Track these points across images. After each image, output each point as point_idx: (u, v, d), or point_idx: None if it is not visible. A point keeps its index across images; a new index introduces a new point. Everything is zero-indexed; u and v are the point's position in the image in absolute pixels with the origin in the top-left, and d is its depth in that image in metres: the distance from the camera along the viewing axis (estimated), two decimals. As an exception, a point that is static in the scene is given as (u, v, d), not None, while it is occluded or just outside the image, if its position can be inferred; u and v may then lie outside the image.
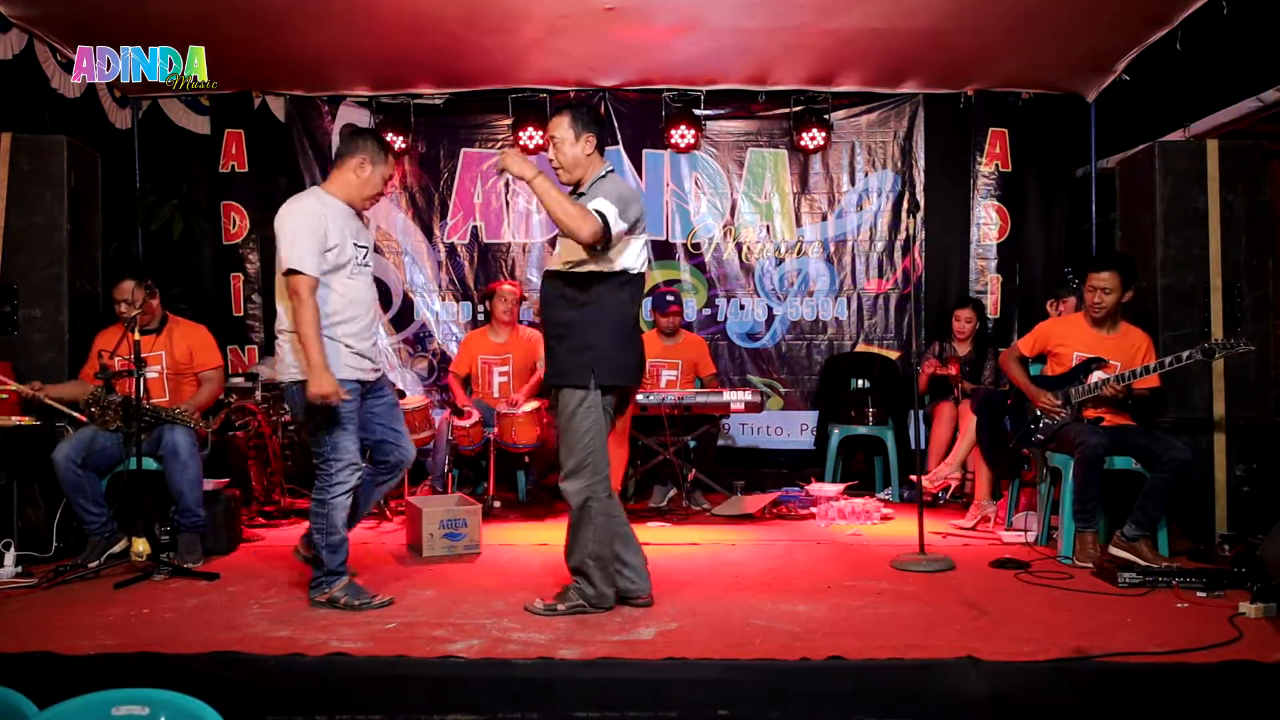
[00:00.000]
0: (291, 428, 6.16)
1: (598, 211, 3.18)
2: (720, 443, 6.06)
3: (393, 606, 3.45)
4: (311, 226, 3.36)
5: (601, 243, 3.21)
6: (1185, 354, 4.02)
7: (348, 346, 3.47)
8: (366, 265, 3.59)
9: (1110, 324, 4.33)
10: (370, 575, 3.97)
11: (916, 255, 6.61)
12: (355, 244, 3.52)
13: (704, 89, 6.46)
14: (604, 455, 3.34)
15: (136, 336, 3.91)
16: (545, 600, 3.39)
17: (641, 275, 3.43)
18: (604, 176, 3.39)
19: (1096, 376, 4.26)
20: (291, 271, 3.32)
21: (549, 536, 4.67)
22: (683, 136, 6.43)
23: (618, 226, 3.22)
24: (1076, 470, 4.11)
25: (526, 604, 3.40)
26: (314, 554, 3.51)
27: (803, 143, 6.46)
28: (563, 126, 3.37)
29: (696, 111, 6.48)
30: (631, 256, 3.35)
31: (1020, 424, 4.48)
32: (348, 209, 3.55)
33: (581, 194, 3.38)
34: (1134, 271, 4.32)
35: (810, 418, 6.60)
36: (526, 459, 5.78)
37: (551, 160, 3.45)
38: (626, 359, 3.38)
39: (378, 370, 3.66)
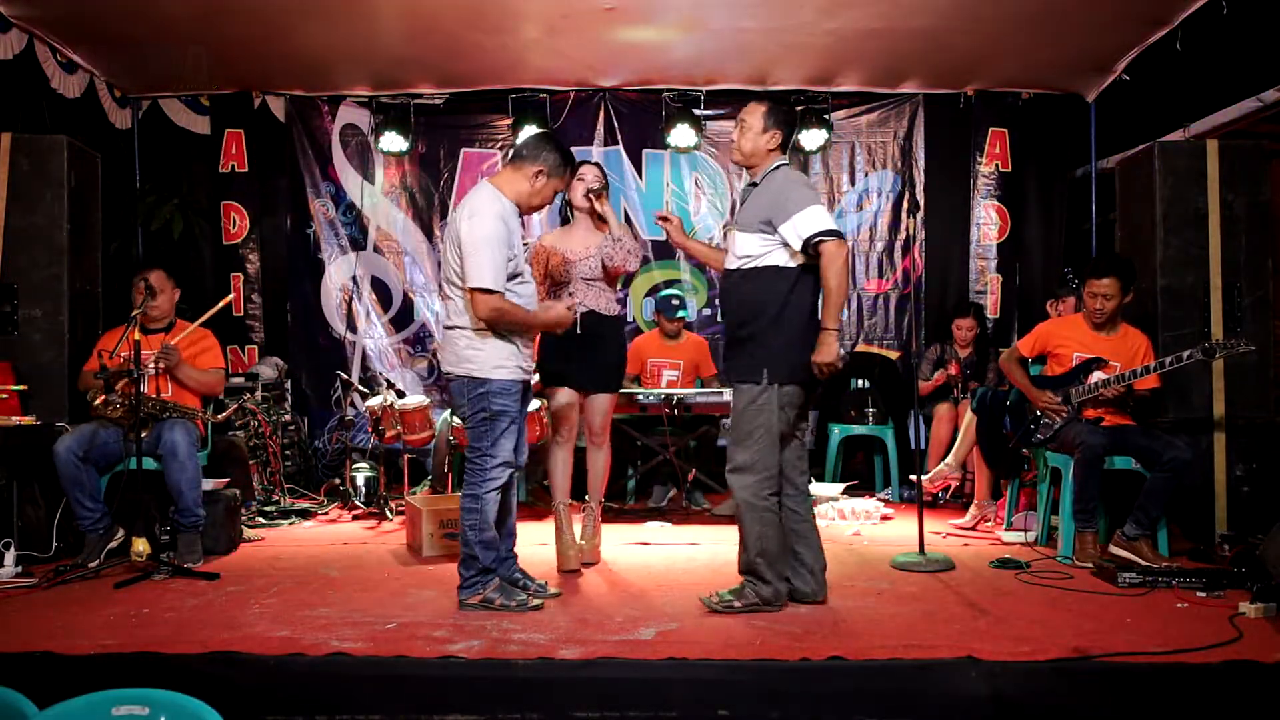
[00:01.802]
0: (292, 427, 6.17)
1: (823, 231, 3.26)
2: (720, 443, 6.06)
3: (393, 606, 3.45)
4: (500, 238, 3.29)
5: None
6: (1186, 354, 4.02)
7: (516, 347, 3.43)
8: (526, 265, 3.59)
9: (1110, 325, 4.34)
10: (370, 575, 3.98)
11: (916, 255, 6.61)
12: (523, 242, 3.52)
13: (704, 89, 6.46)
14: (773, 454, 3.35)
15: (137, 335, 3.92)
16: (721, 594, 3.40)
17: (817, 268, 3.39)
18: (776, 169, 3.44)
19: (1096, 377, 4.27)
20: (482, 290, 3.26)
21: (549, 536, 4.66)
22: (683, 136, 6.42)
23: (831, 220, 3.32)
24: (1076, 470, 4.11)
25: (702, 596, 3.43)
26: (466, 552, 3.44)
27: (803, 143, 6.46)
28: (757, 115, 3.44)
29: (696, 111, 6.48)
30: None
31: (1020, 424, 4.49)
32: (516, 210, 3.46)
33: (755, 184, 3.46)
34: (1133, 274, 4.33)
35: (810, 418, 6.59)
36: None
37: (734, 140, 3.52)
38: (802, 354, 3.35)
39: (530, 373, 3.61)
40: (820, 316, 3.34)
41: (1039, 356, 4.55)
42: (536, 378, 4.61)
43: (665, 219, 3.80)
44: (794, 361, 3.34)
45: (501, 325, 3.35)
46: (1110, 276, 4.24)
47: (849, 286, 3.35)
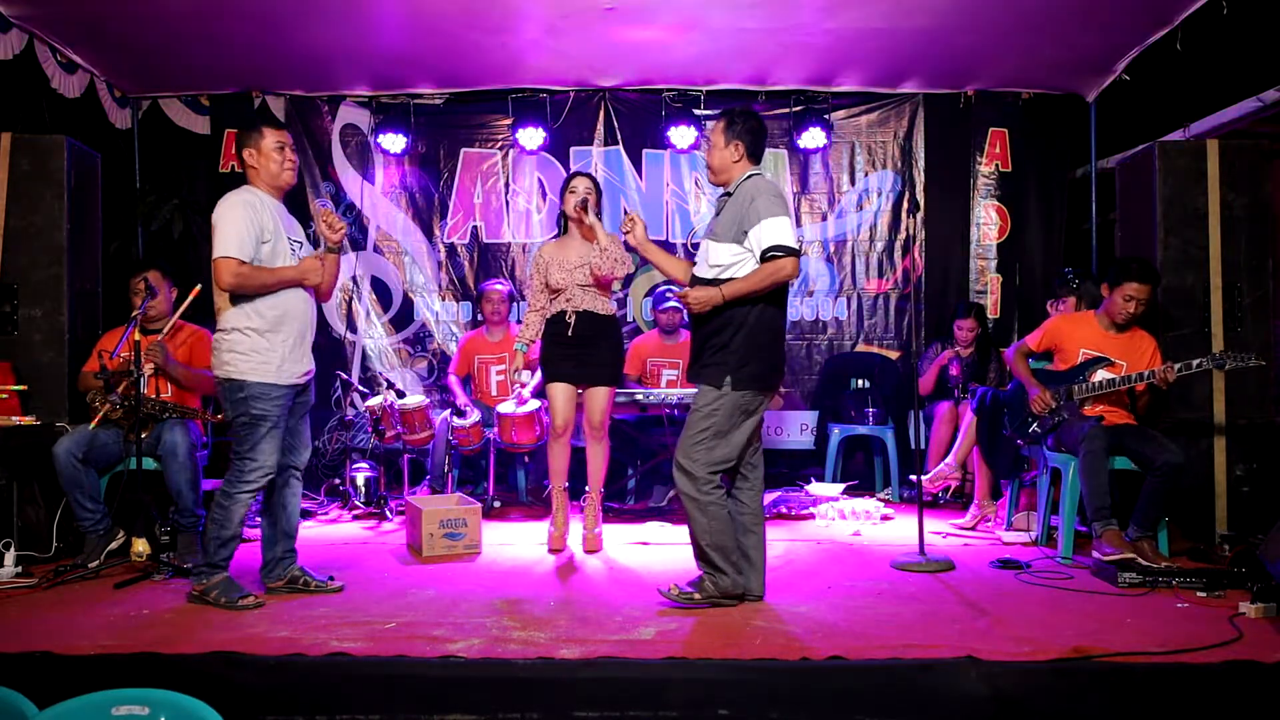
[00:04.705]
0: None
1: (778, 247, 3.33)
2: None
3: (392, 606, 3.45)
4: (244, 215, 3.44)
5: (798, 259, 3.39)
6: (1196, 362, 4.07)
7: (279, 350, 3.49)
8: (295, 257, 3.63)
9: (1119, 326, 4.33)
10: (370, 575, 3.98)
11: (916, 255, 6.61)
12: (290, 239, 3.58)
13: (704, 89, 6.46)
14: (714, 453, 3.40)
15: (138, 336, 3.91)
16: (681, 586, 3.45)
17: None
18: (748, 179, 3.49)
19: (1100, 376, 4.27)
20: (223, 258, 3.39)
21: (548, 541, 4.67)
22: (683, 136, 6.42)
23: (793, 235, 3.37)
24: (1084, 470, 4.07)
25: (661, 588, 3.48)
26: (202, 543, 3.55)
27: (803, 143, 6.46)
28: (718, 132, 3.55)
29: (696, 111, 6.48)
30: None
31: (1018, 417, 4.48)
32: (278, 203, 3.62)
33: (729, 194, 3.53)
34: None
35: (810, 418, 6.59)
36: (526, 459, 5.78)
37: (705, 159, 3.66)
38: (766, 364, 3.45)
39: (310, 373, 3.67)
40: (735, 284, 3.37)
41: (1044, 352, 4.55)
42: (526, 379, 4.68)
43: (632, 221, 3.78)
44: (756, 370, 3.42)
45: (249, 288, 3.43)
46: (1150, 283, 4.25)
47: (775, 290, 3.44)
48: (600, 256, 4.30)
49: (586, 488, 4.53)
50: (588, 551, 4.39)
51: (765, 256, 3.34)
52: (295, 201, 6.59)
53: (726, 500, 3.48)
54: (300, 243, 3.66)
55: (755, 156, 3.54)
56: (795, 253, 3.35)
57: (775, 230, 3.33)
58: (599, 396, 4.41)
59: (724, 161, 3.52)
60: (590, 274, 4.37)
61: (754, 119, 3.55)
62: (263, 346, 3.46)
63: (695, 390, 3.53)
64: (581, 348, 4.38)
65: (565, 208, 4.48)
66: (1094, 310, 4.47)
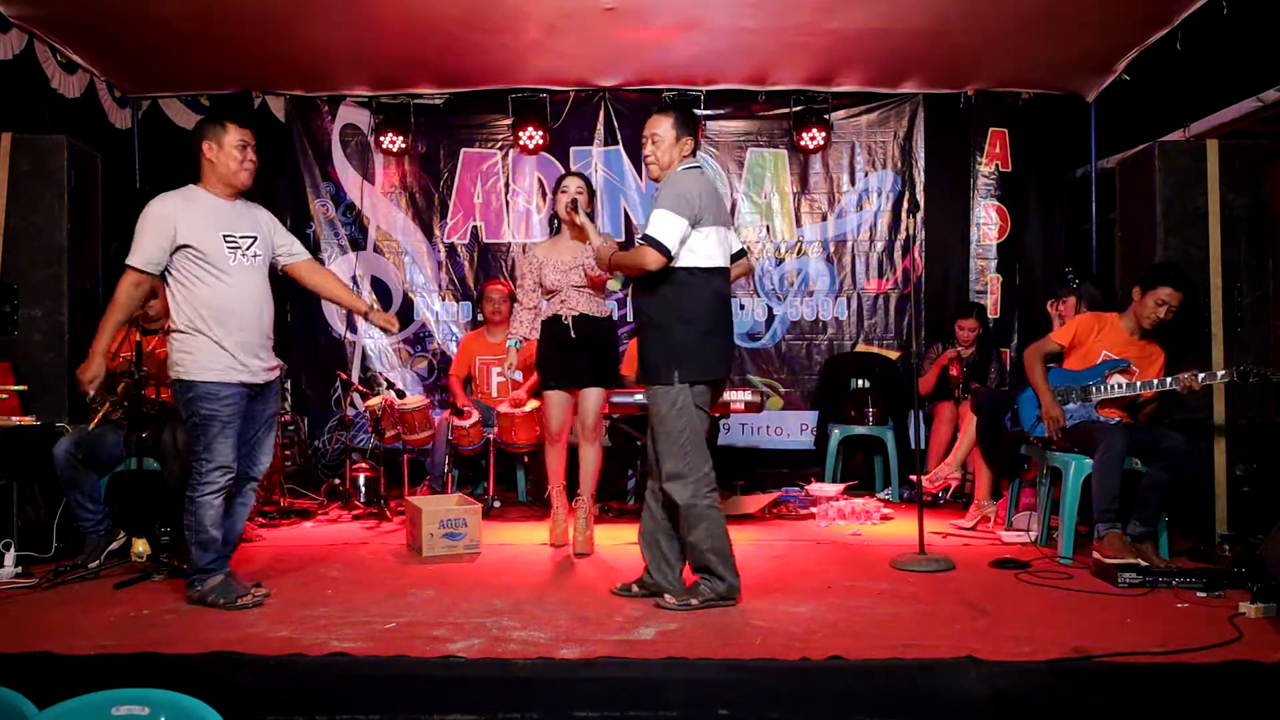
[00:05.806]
0: (292, 427, 6.18)
1: (651, 239, 3.34)
2: (720, 442, 6.06)
3: (393, 606, 3.45)
4: (157, 223, 3.41)
5: (668, 259, 3.35)
6: (1220, 374, 4.08)
7: (225, 348, 3.45)
8: (255, 256, 3.55)
9: (1148, 333, 4.33)
10: (370, 575, 3.98)
11: (916, 255, 6.61)
12: (229, 236, 3.48)
13: (704, 89, 6.45)
14: (702, 453, 3.41)
15: (138, 336, 3.91)
16: (677, 596, 3.43)
17: (724, 268, 3.51)
18: (679, 172, 3.49)
19: (1119, 380, 4.27)
20: (126, 267, 3.40)
21: (548, 536, 4.67)
22: (683, 136, 6.41)
23: (676, 233, 3.34)
24: (1101, 467, 4.04)
25: (658, 601, 3.44)
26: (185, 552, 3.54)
27: (803, 143, 6.46)
28: (666, 125, 3.50)
29: (696, 111, 6.47)
30: (709, 250, 3.44)
31: (1031, 414, 4.46)
32: (222, 202, 3.52)
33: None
34: None
35: (810, 418, 6.60)
36: (526, 459, 5.78)
37: (648, 156, 3.56)
38: (711, 353, 3.45)
39: (271, 372, 3.61)
40: (619, 253, 3.57)
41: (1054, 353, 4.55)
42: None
43: None
44: (702, 361, 3.41)
45: (112, 303, 3.46)
46: (1184, 290, 4.22)
47: (632, 271, 3.50)
48: (593, 257, 4.30)
49: (579, 491, 4.47)
50: (577, 555, 4.32)
51: (637, 242, 3.42)
52: (295, 201, 6.63)
53: (718, 503, 3.47)
54: (252, 237, 3.55)
55: (695, 152, 3.58)
56: (665, 251, 3.32)
57: (658, 221, 3.35)
58: (592, 397, 4.40)
59: (673, 157, 3.50)
60: (584, 274, 4.39)
61: (694, 114, 3.59)
62: (208, 346, 3.42)
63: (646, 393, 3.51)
64: (578, 351, 4.39)
65: (556, 208, 4.48)
66: (1119, 312, 4.45)
